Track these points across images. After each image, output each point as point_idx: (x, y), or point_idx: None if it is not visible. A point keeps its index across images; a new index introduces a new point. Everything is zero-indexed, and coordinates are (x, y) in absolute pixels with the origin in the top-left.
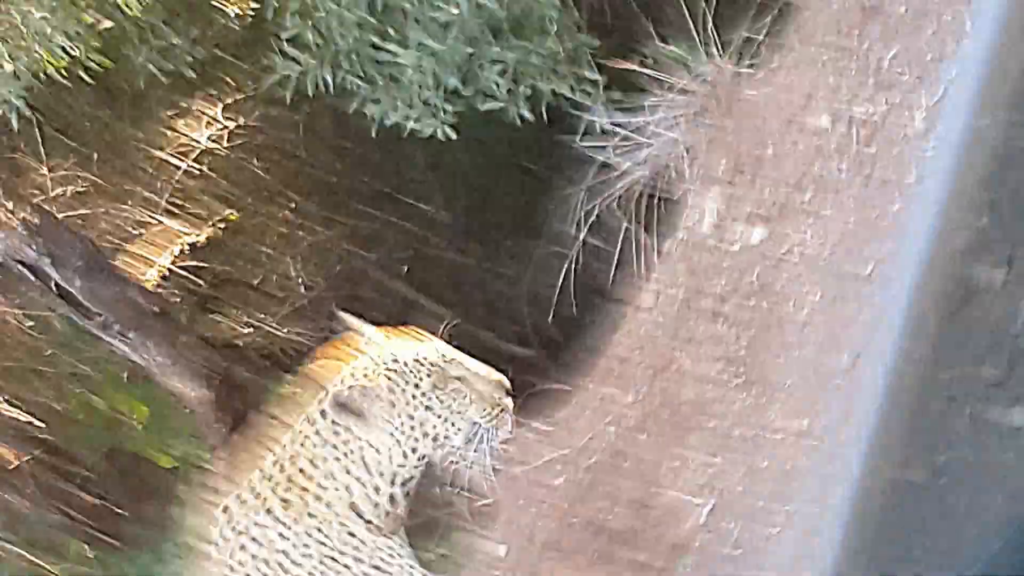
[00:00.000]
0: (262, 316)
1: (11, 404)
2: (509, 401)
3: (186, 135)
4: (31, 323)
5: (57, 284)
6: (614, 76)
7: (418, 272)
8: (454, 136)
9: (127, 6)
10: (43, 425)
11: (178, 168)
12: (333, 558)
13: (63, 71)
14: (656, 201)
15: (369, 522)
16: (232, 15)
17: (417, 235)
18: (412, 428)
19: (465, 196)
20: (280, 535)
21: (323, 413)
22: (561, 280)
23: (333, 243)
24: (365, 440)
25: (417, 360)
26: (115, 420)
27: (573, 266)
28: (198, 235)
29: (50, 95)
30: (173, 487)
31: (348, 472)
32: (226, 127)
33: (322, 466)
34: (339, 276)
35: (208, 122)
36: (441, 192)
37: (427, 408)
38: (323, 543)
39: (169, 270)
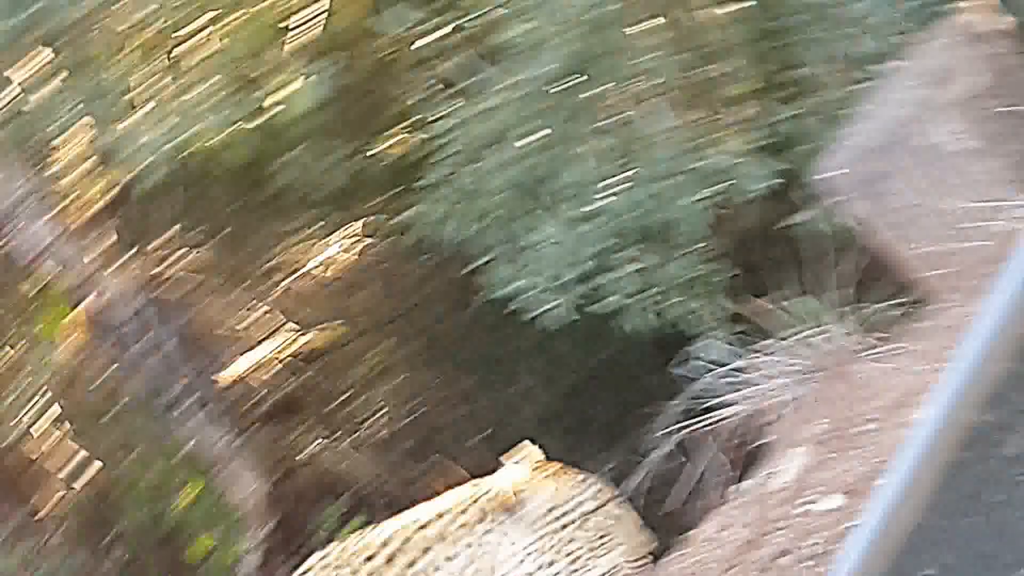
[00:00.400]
0: (332, 437)
1: (77, 438)
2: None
3: (312, 245)
4: (121, 371)
5: (152, 345)
6: (740, 311)
7: (486, 448)
8: (574, 317)
9: (290, 107)
10: (100, 466)
11: (295, 272)
12: None
13: (211, 151)
14: (747, 440)
15: None
16: (385, 150)
17: (499, 412)
18: (553, 545)
19: (557, 389)
20: None
21: (481, 507)
22: (632, 491)
23: (421, 391)
24: (507, 540)
25: (580, 485)
26: (166, 489)
27: (647, 480)
28: (300, 340)
29: (192, 171)
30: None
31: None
32: (351, 251)
33: (449, 557)
34: (414, 425)
35: (336, 241)
36: (535, 378)
37: (577, 528)
38: None
39: (259, 366)
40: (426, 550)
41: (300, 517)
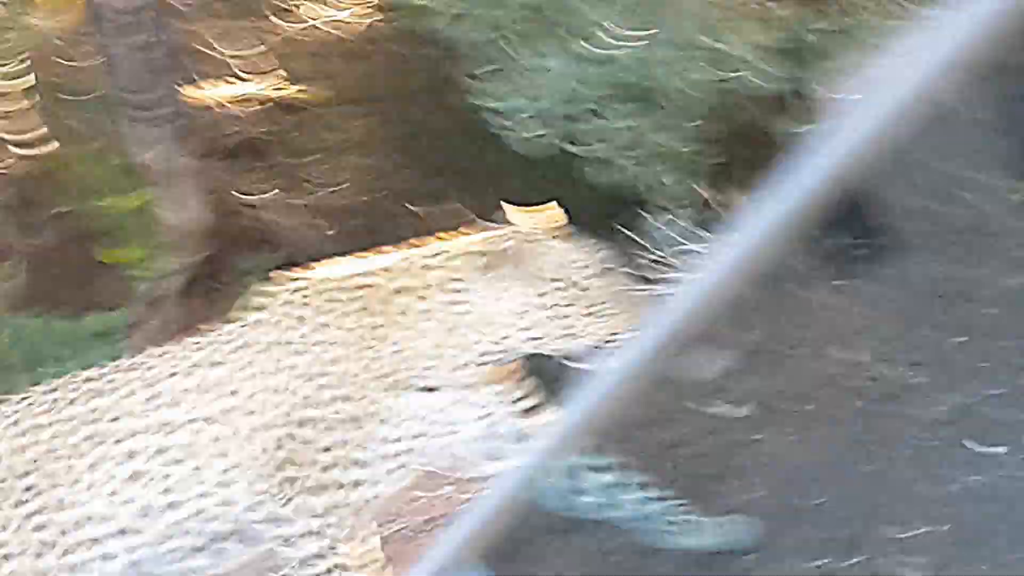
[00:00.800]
0: (287, 191)
1: (41, 111)
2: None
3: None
4: (102, 59)
5: (142, 44)
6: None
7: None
8: (552, 152)
9: None
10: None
11: (299, 23)
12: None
13: None
14: None
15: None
16: None
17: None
18: (553, 304)
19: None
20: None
21: (483, 256)
22: None
23: (390, 172)
24: (506, 294)
25: (589, 249)
26: (107, 188)
27: None
28: (284, 89)
29: None
30: (107, 282)
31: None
32: (362, 18)
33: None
34: (375, 200)
35: (350, 5)
36: (496, 192)
37: (578, 290)
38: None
39: (237, 101)
40: (420, 293)
41: (232, 258)
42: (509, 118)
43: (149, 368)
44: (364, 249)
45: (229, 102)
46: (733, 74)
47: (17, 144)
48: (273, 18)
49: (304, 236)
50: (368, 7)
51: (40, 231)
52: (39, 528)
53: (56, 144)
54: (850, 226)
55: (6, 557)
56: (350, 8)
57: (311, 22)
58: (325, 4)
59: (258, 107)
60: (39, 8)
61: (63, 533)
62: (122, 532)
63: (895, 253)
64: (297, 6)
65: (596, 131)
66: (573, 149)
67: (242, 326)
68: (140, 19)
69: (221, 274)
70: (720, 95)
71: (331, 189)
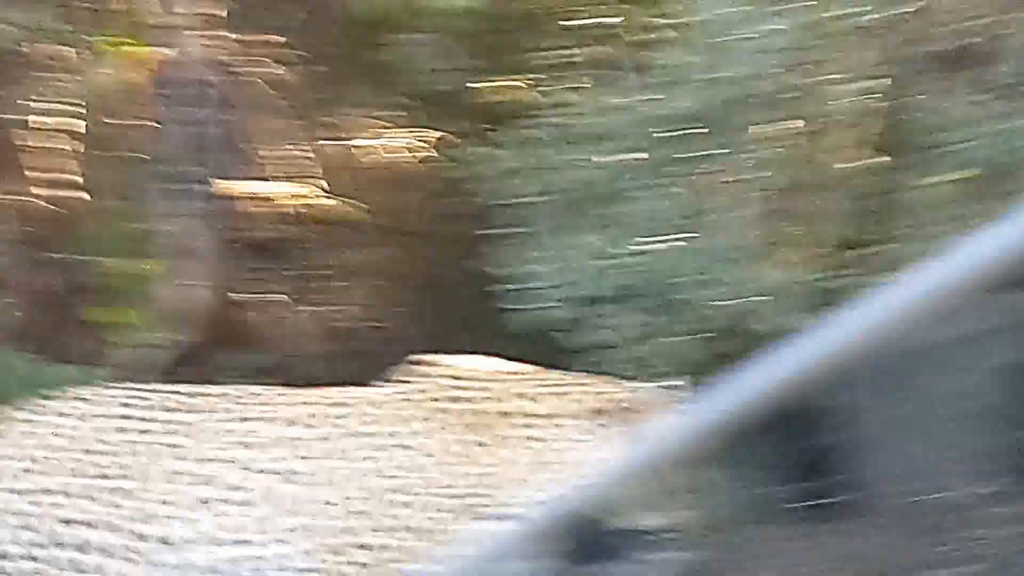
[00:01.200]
0: (291, 298)
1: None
2: None
3: (383, 130)
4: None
5: (194, 120)
6: None
7: None
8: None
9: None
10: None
11: (353, 140)
12: None
13: None
14: None
15: None
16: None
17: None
18: None
19: None
20: None
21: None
22: None
23: (396, 307)
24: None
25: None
26: (120, 249)
27: None
28: (318, 200)
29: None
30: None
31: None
32: (413, 153)
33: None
34: (373, 329)
35: (407, 138)
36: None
37: None
38: None
39: (270, 199)
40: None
41: (215, 348)
42: (521, 289)
43: None
44: (346, 376)
45: (264, 200)
46: (747, 300)
47: (48, 185)
48: (330, 130)
49: (293, 347)
50: (422, 146)
51: (46, 275)
52: None
53: (84, 194)
54: (821, 475)
55: None
56: (406, 140)
57: (362, 143)
58: (379, 132)
59: (289, 211)
60: (112, 61)
61: None
62: None
63: (859, 512)
64: (353, 125)
65: (612, 321)
66: (582, 336)
67: None
68: (201, 95)
69: (202, 362)
70: (731, 318)
71: (334, 307)
